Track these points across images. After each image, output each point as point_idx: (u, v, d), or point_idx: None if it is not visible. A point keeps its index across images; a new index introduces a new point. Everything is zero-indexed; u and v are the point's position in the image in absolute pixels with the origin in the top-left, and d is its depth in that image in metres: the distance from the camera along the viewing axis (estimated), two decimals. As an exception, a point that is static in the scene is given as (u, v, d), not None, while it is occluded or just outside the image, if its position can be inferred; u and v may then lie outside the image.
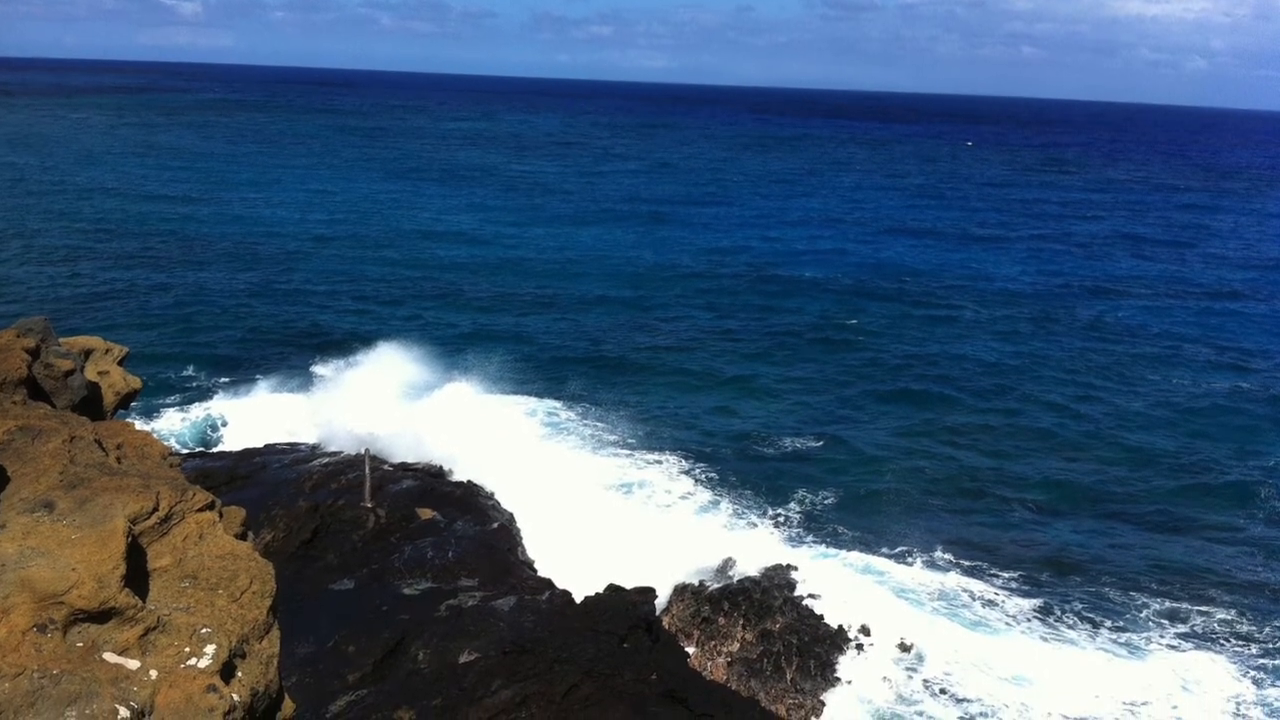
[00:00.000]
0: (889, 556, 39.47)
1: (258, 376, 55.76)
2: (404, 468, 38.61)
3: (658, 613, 30.30)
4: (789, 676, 31.05)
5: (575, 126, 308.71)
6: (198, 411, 51.17)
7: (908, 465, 48.69)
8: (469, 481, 37.44)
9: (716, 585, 34.94)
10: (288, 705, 8.27)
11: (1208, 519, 44.68)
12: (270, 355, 60.87)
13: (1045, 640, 34.26)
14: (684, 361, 63.82)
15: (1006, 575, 38.43)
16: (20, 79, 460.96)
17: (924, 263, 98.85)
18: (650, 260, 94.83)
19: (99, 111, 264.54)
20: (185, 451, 42.68)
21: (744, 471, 46.75)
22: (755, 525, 41.53)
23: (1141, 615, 36.11)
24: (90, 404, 14.09)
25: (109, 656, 6.79)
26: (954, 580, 37.79)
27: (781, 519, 42.53)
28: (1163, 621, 35.74)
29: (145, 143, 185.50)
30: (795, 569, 36.56)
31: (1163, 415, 57.18)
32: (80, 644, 6.78)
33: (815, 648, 32.24)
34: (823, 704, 30.49)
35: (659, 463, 46.88)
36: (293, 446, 41.81)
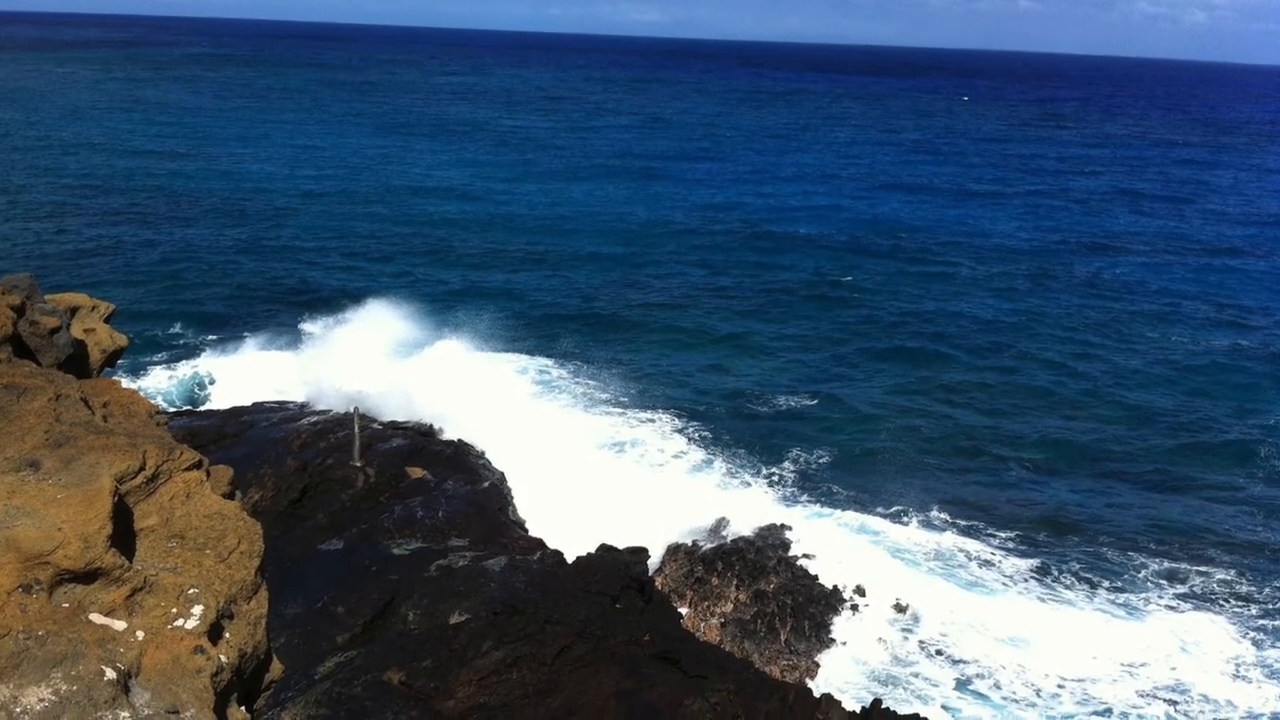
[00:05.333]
0: (884, 516, 39.25)
1: (246, 334, 55.26)
2: (393, 426, 38.18)
3: (650, 573, 30.04)
4: (783, 637, 30.90)
5: (567, 81, 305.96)
6: (185, 369, 50.74)
7: (903, 424, 48.44)
8: (459, 440, 37.03)
9: (710, 545, 34.69)
10: (276, 666, 8.01)
11: (1207, 478, 44.53)
12: (258, 312, 60.31)
13: (1042, 601, 34.12)
14: (677, 319, 63.42)
15: (1003, 535, 38.27)
16: (4, 33, 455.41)
17: (919, 219, 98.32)
18: (643, 216, 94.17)
19: (85, 66, 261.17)
20: (172, 410, 42.33)
21: (737, 430, 46.45)
22: (749, 484, 41.28)
23: (1140, 575, 35.97)
24: (76, 362, 13.66)
25: (95, 617, 6.53)
26: (950, 540, 37.62)
27: (775, 478, 42.28)
28: (1161, 582, 35.61)
29: (132, 97, 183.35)
30: (789, 529, 36.29)
31: (1161, 373, 56.99)
32: (66, 605, 6.53)
33: (810, 608, 32.06)
34: (817, 665, 30.35)
35: (651, 421, 46.57)
36: (281, 405, 41.39)
